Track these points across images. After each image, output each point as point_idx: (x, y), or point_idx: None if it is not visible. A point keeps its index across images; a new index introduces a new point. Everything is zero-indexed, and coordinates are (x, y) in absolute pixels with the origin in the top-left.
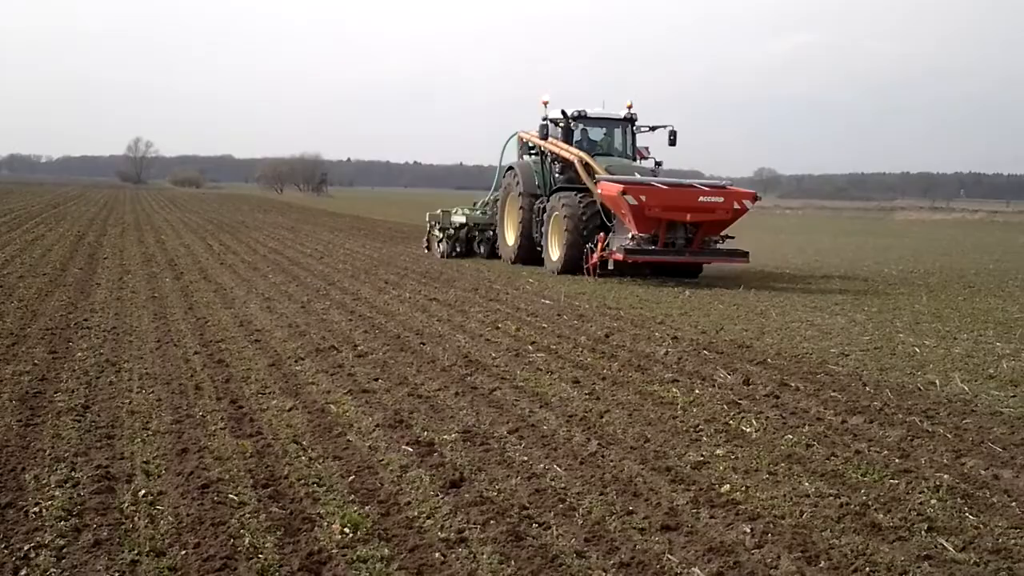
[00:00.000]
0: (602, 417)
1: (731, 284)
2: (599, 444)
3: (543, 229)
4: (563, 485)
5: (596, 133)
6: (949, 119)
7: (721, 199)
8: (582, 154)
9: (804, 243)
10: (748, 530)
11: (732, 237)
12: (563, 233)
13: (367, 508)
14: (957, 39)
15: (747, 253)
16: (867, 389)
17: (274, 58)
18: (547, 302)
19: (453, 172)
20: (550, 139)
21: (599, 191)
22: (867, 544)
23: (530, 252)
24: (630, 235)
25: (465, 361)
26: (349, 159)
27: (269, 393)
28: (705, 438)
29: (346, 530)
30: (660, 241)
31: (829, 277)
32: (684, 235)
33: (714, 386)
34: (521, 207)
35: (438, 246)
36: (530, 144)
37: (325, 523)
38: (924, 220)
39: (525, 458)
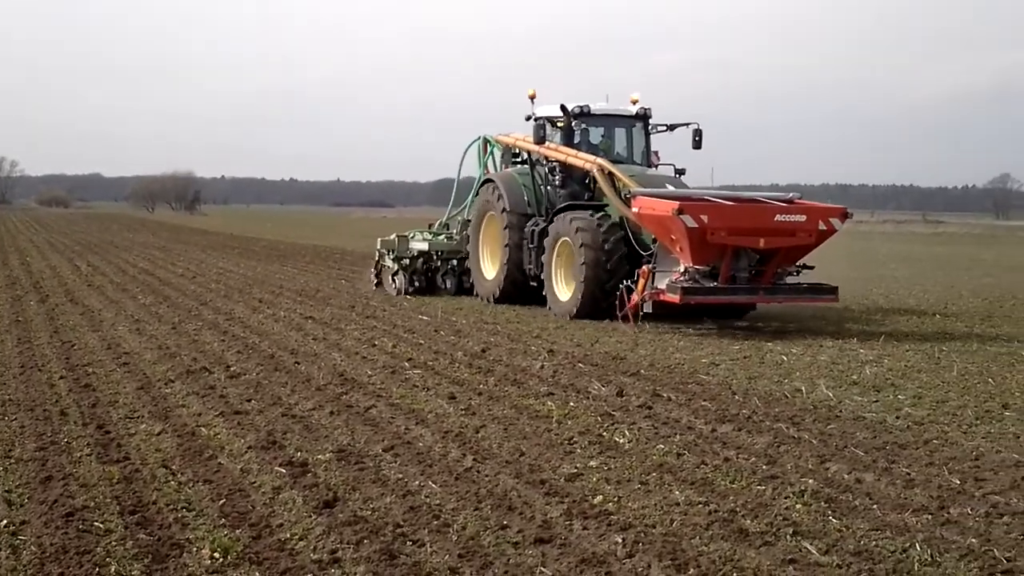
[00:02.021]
0: (478, 432)
1: None
2: (474, 459)
3: (540, 259)
4: (438, 502)
5: (595, 135)
6: (816, 133)
7: (803, 218)
8: (603, 162)
9: None
10: (620, 540)
11: (811, 267)
12: (580, 267)
13: (238, 532)
14: (831, 54)
15: (835, 289)
16: (736, 398)
17: (144, 73)
18: (424, 318)
19: (330, 188)
20: (548, 143)
21: (635, 209)
22: (735, 550)
23: (519, 288)
24: (682, 268)
25: (340, 379)
26: (223, 176)
27: (137, 417)
28: (579, 450)
29: (216, 555)
30: (723, 275)
31: None
32: (748, 266)
33: (588, 398)
34: (507, 231)
35: (392, 280)
36: (515, 150)
37: (194, 548)
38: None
39: (400, 476)
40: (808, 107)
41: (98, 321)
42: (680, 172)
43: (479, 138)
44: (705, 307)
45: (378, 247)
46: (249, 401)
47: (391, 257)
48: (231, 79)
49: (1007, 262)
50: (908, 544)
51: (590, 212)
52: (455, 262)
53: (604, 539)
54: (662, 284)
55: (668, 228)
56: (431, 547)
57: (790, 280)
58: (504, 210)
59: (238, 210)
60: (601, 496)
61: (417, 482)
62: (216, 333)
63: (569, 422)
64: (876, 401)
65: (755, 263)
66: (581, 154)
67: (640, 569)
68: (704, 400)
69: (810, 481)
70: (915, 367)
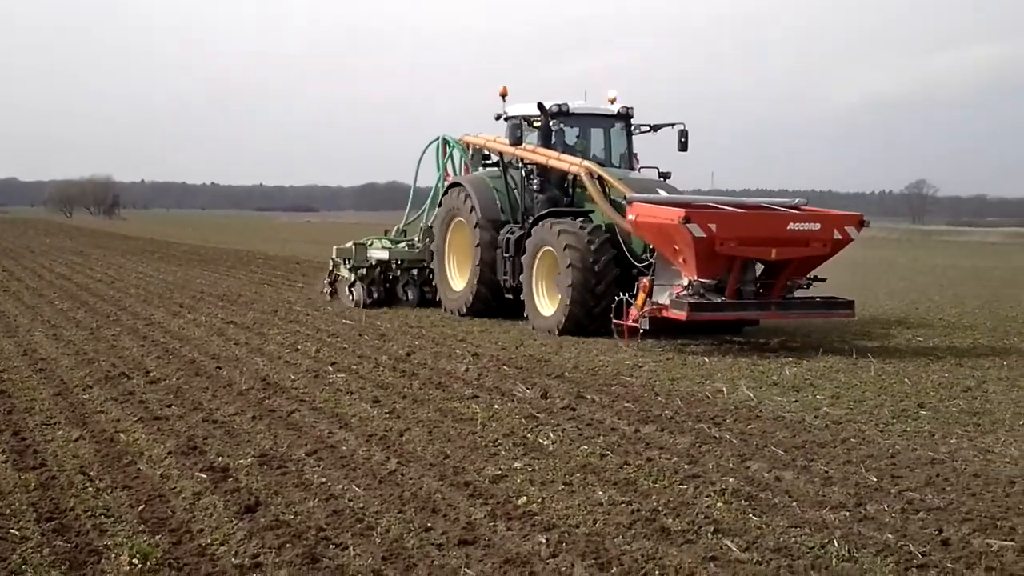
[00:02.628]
0: (402, 435)
1: None
2: (399, 462)
3: (518, 270)
4: (361, 505)
5: (570, 135)
6: (732, 139)
7: (817, 226)
8: (591, 165)
9: None
10: (543, 540)
11: (823, 280)
12: (566, 278)
13: (158, 538)
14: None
15: (851, 304)
16: (659, 399)
17: (60, 75)
18: (348, 322)
19: (253, 192)
20: (526, 144)
21: (632, 217)
22: (657, 548)
23: (492, 301)
24: (685, 282)
25: (263, 384)
26: (143, 180)
27: (54, 423)
28: (504, 452)
29: (135, 561)
30: (730, 289)
31: None
32: (754, 279)
33: (513, 401)
34: (479, 240)
35: (349, 291)
36: (486, 152)
37: (113, 555)
38: None
39: (323, 480)
40: (724, 113)
41: (14, 327)
42: (665, 176)
43: (438, 139)
44: (709, 324)
45: (333, 256)
46: (169, 407)
47: (347, 266)
48: (150, 82)
49: (921, 266)
50: (826, 540)
51: (576, 219)
52: (415, 271)
53: (528, 539)
54: (662, 298)
55: (671, 238)
56: (354, 550)
57: (799, 294)
58: (475, 217)
59: (158, 214)
60: (525, 497)
61: (340, 486)
62: (135, 338)
63: (494, 424)
64: (795, 401)
65: (761, 275)
66: (565, 156)
67: (563, 569)
68: (627, 401)
69: (731, 480)
70: (833, 367)
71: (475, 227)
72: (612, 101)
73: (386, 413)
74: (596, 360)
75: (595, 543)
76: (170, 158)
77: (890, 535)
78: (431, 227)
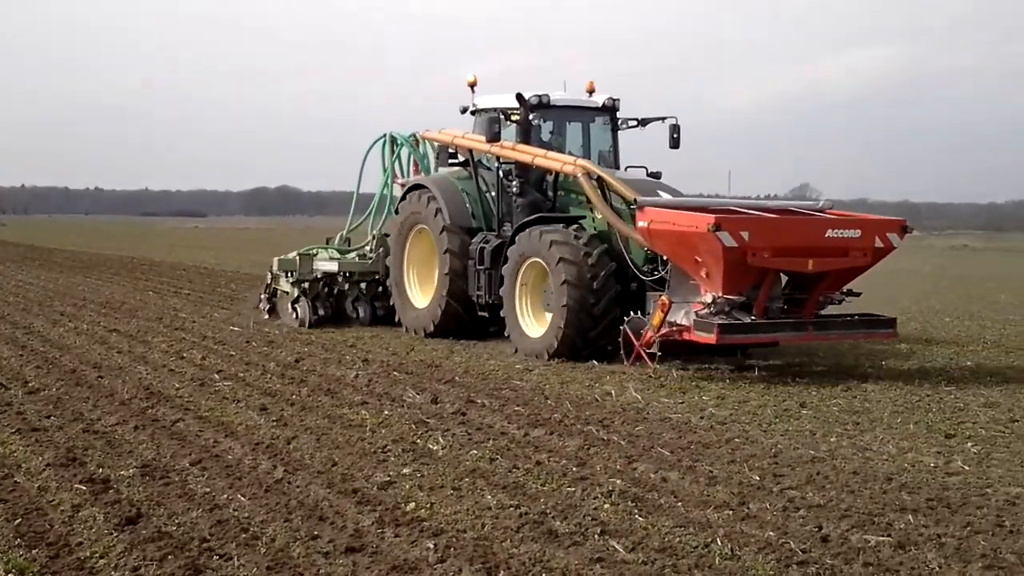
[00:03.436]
0: (289, 443)
1: None
2: (285, 470)
3: (494, 284)
4: (247, 514)
5: (544, 130)
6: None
7: (857, 233)
8: (588, 164)
9: None
10: (431, 546)
11: (858, 294)
12: (559, 293)
13: (35, 551)
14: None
15: (893, 322)
16: (549, 402)
17: None
18: (236, 329)
19: (138, 198)
20: (504, 141)
21: (642, 223)
22: (544, 551)
23: (463, 318)
24: (708, 298)
25: (146, 393)
26: (23, 185)
27: None
28: (392, 458)
29: (11, 575)
30: (759, 306)
31: None
32: (779, 293)
33: (403, 406)
34: (447, 250)
35: (292, 308)
36: (453, 150)
37: None
38: None
39: (207, 489)
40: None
41: None
42: (655, 175)
43: (384, 136)
44: (733, 347)
45: (273, 268)
46: (48, 417)
47: (290, 280)
48: (28, 83)
49: None
50: (710, 539)
51: (569, 227)
52: (364, 285)
53: (416, 545)
54: (680, 318)
55: (693, 248)
56: (239, 560)
57: (831, 310)
58: (442, 223)
59: (39, 220)
60: (414, 503)
61: (225, 495)
62: (14, 348)
63: (383, 430)
64: (682, 402)
65: (785, 289)
66: (555, 154)
67: (451, 574)
68: (517, 405)
69: (618, 481)
70: (719, 369)
71: (442, 235)
72: (591, 91)
73: (273, 421)
74: (487, 365)
75: (483, 547)
76: (51, 162)
77: (771, 533)
78: (385, 235)
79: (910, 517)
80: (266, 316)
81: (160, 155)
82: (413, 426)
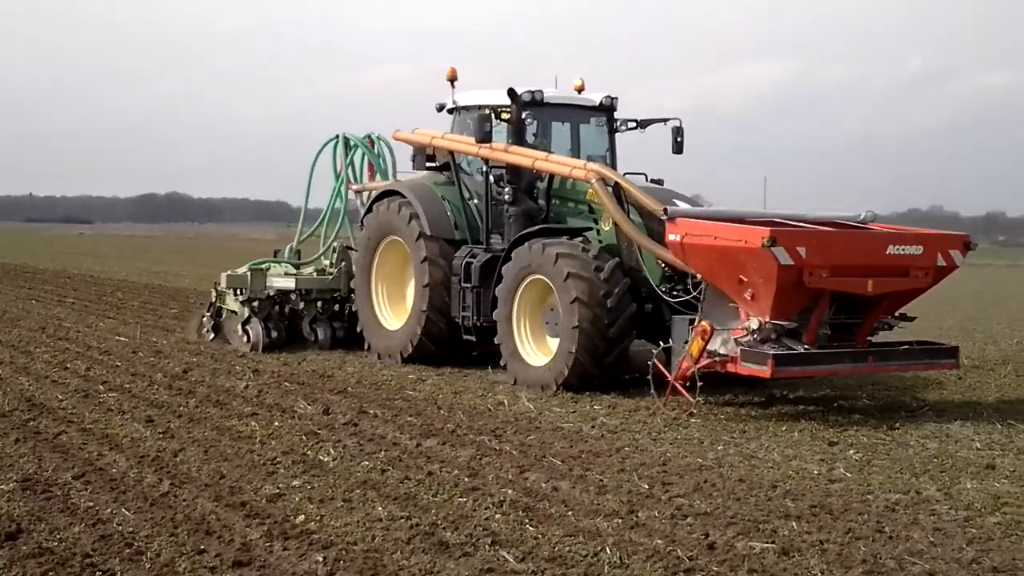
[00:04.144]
0: (176, 456)
1: None
2: (171, 484)
3: (483, 304)
4: (131, 529)
5: (527, 131)
6: None
7: (919, 249)
8: (604, 169)
9: None
10: (321, 559)
11: (912, 318)
12: (569, 315)
13: None
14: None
15: (955, 351)
16: (442, 412)
17: None
18: (122, 339)
19: (22, 203)
20: (495, 143)
21: (673, 237)
22: (435, 562)
23: (446, 342)
24: (754, 324)
25: (28, 405)
26: None
27: None
28: (282, 470)
29: None
30: (812, 332)
31: None
32: (828, 317)
33: (294, 417)
34: (425, 264)
35: (243, 331)
36: (430, 152)
37: None
38: None
39: (91, 504)
40: None
41: None
42: (657, 182)
43: (336, 138)
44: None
45: (220, 285)
46: None
47: (239, 298)
48: None
49: None
50: (599, 548)
51: (576, 240)
52: (321, 303)
53: (305, 558)
54: (717, 346)
55: (739, 265)
56: None
57: (878, 336)
58: (421, 235)
59: None
60: (303, 515)
61: (109, 510)
62: None
63: (273, 442)
64: (574, 412)
65: (838, 312)
66: (563, 158)
67: None
68: (410, 415)
69: (509, 491)
70: (610, 379)
71: (418, 242)
72: (580, 89)
73: (159, 433)
74: (379, 375)
75: (373, 559)
76: None
77: (660, 541)
78: (348, 248)
79: (794, 524)
80: (210, 338)
81: (46, 160)
82: (304, 437)
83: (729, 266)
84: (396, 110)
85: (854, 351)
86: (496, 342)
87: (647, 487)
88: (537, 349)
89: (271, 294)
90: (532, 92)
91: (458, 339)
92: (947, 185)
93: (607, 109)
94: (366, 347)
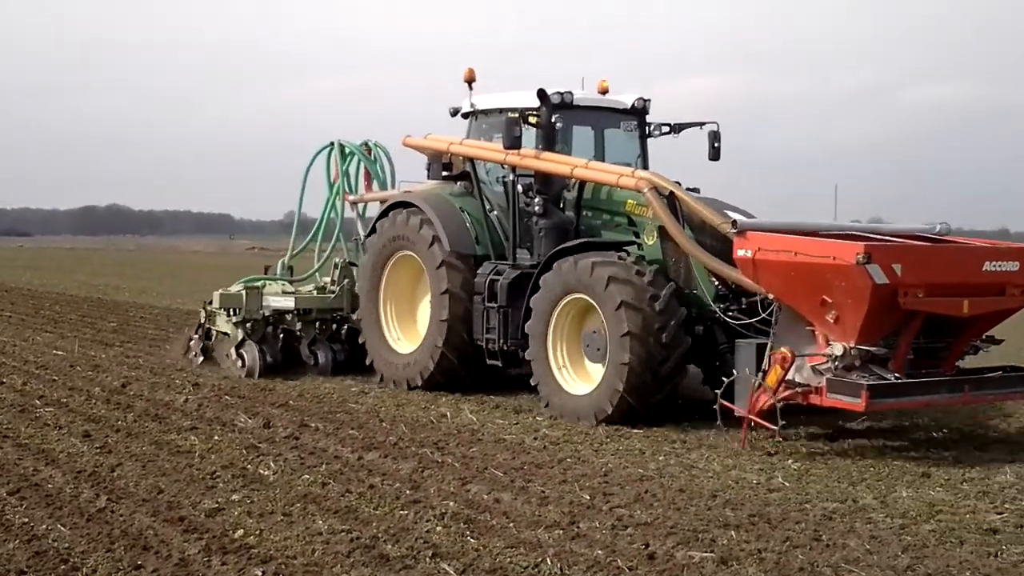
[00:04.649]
0: (113, 471)
1: None
2: (109, 499)
3: (507, 326)
4: (67, 545)
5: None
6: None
7: (1016, 266)
8: (655, 176)
9: None
10: (260, 573)
11: (1000, 341)
12: (622, 349)
13: None
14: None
15: None
16: (384, 425)
17: None
18: (59, 353)
19: None
20: (525, 150)
21: (744, 253)
22: (375, 575)
23: (466, 366)
24: (838, 349)
25: None
26: None
27: None
28: (222, 484)
29: None
30: (899, 360)
31: None
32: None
33: (234, 431)
34: (447, 284)
35: (237, 355)
36: (446, 159)
37: None
38: None
39: (26, 520)
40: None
41: None
42: (692, 191)
43: (330, 145)
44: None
45: (212, 305)
46: None
47: (232, 320)
48: None
49: None
50: (540, 559)
51: (622, 255)
52: (320, 324)
53: (244, 573)
54: (795, 373)
55: (825, 284)
56: None
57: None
58: (439, 250)
59: None
60: (243, 530)
61: (44, 526)
62: None
63: (212, 456)
64: (516, 423)
65: (920, 335)
66: (608, 165)
67: None
68: (352, 428)
69: (451, 503)
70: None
71: (440, 265)
72: (604, 91)
73: (97, 448)
74: (321, 388)
75: (313, 573)
76: None
77: (600, 551)
78: (350, 264)
79: (733, 533)
80: (199, 363)
81: None
82: (244, 451)
83: (811, 285)
84: (348, 120)
85: (950, 380)
86: (527, 358)
87: (588, 498)
88: (575, 374)
89: (267, 315)
90: (561, 94)
91: (480, 363)
92: (881, 197)
93: (639, 112)
94: (379, 377)
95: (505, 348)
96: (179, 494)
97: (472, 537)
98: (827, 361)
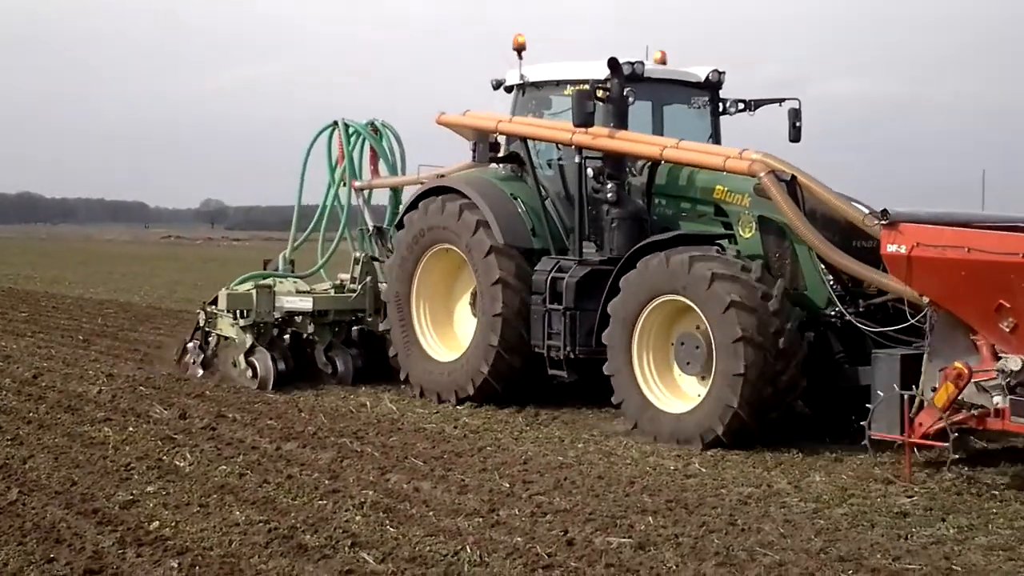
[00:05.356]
0: (25, 463)
1: (158, 323)
2: (20, 492)
3: (576, 332)
4: None
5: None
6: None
7: None
8: (773, 159)
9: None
10: (175, 565)
11: None
12: (733, 359)
13: None
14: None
15: None
16: (302, 415)
17: None
18: None
19: None
20: (598, 128)
21: (896, 248)
22: (293, 565)
23: (524, 372)
24: (1017, 363)
25: None
26: None
27: None
28: (136, 476)
29: None
30: None
31: None
32: None
33: (149, 422)
34: (498, 272)
35: (247, 363)
36: (496, 140)
37: None
38: None
39: None
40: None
41: None
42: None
43: (332, 125)
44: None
45: (217, 307)
46: None
47: (239, 322)
48: None
49: None
50: (459, 547)
51: (726, 250)
52: (335, 327)
53: (159, 565)
54: (976, 395)
55: (1006, 287)
56: None
57: None
58: (489, 242)
59: None
60: (158, 522)
61: None
62: None
63: (127, 447)
64: (436, 412)
65: None
66: (711, 146)
67: None
68: (270, 419)
69: (370, 493)
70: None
71: (488, 253)
72: (662, 61)
73: (8, 440)
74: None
75: (230, 564)
76: None
77: (519, 538)
78: (373, 259)
79: (650, 518)
80: (200, 374)
81: None
82: (159, 443)
83: (986, 287)
84: (266, 111)
85: None
86: (607, 372)
87: (508, 486)
88: (665, 390)
89: (282, 318)
90: (632, 64)
91: (537, 373)
92: None
93: (713, 86)
94: (418, 391)
95: (574, 356)
96: (93, 486)
97: (392, 526)
98: (998, 377)
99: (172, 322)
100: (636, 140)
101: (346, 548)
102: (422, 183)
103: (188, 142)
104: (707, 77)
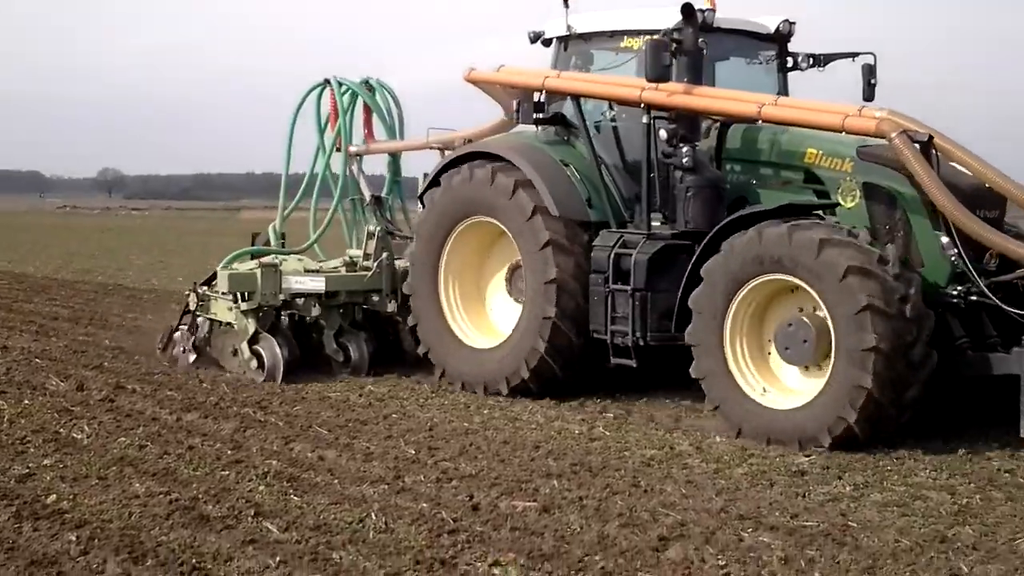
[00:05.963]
0: None
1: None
2: None
3: (646, 316)
4: None
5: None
6: None
7: None
8: (902, 118)
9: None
10: (74, 538)
11: None
12: (856, 330)
13: None
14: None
15: None
16: (204, 385)
17: None
18: None
19: None
20: (670, 84)
21: None
22: (195, 536)
23: (577, 364)
24: None
25: None
26: None
27: None
28: (33, 449)
29: None
30: None
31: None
32: None
33: (45, 395)
34: (547, 235)
35: (251, 352)
36: (540, 97)
37: None
38: (269, 218)
39: None
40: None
41: None
42: None
43: (323, 83)
44: None
45: (214, 289)
46: None
47: (240, 307)
48: None
49: None
50: (364, 514)
51: (816, 222)
52: (343, 310)
53: (57, 539)
54: None
55: None
56: None
57: None
58: (538, 216)
59: None
60: (55, 495)
61: None
62: None
63: (22, 420)
64: (341, 381)
65: None
66: (825, 103)
67: (95, 565)
68: (170, 389)
69: (274, 462)
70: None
71: (534, 220)
72: (712, 7)
73: None
74: (138, 349)
75: (130, 536)
76: None
77: (425, 504)
78: (389, 233)
79: (555, 482)
80: (191, 360)
81: None
82: (56, 415)
83: None
84: (167, 77)
85: None
86: (695, 376)
87: (413, 452)
88: (765, 382)
89: (295, 299)
90: (703, 11)
91: (596, 361)
92: None
93: (783, 38)
94: (458, 384)
95: (643, 343)
96: None
97: (296, 495)
98: None
99: (68, 293)
100: (724, 97)
101: (249, 518)
102: (432, 148)
103: (86, 110)
104: (777, 28)
